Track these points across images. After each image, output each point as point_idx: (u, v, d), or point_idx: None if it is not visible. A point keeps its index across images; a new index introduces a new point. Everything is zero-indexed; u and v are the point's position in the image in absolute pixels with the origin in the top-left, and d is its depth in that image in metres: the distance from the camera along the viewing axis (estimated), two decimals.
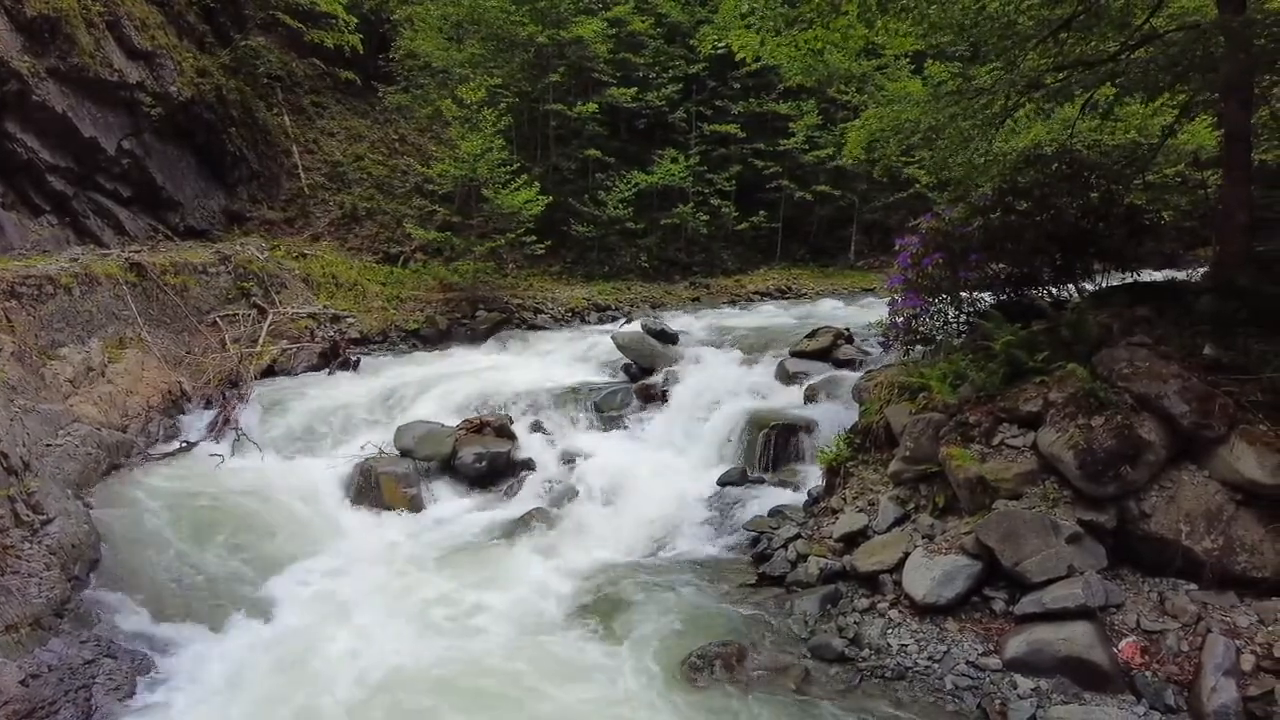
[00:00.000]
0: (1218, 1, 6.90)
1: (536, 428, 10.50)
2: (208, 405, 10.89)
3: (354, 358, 13.68)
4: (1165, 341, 6.30)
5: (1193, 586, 5.35)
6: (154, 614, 6.20)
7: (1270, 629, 4.85)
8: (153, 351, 11.08)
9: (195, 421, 10.47)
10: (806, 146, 24.57)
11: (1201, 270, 8.03)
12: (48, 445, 7.72)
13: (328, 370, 13.18)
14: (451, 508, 8.94)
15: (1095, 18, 7.62)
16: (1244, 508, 5.32)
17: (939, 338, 8.60)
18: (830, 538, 6.94)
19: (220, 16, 18.75)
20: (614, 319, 18.58)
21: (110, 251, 13.02)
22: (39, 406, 8.18)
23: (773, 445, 9.10)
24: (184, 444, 9.77)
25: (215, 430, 10.10)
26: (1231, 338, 6.07)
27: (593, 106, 21.99)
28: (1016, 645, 5.19)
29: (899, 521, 6.66)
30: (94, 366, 9.75)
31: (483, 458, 9.39)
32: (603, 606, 6.50)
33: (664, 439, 10.20)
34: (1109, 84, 6.98)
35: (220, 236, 17.26)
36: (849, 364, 10.82)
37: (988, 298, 8.42)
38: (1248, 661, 4.66)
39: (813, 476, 8.50)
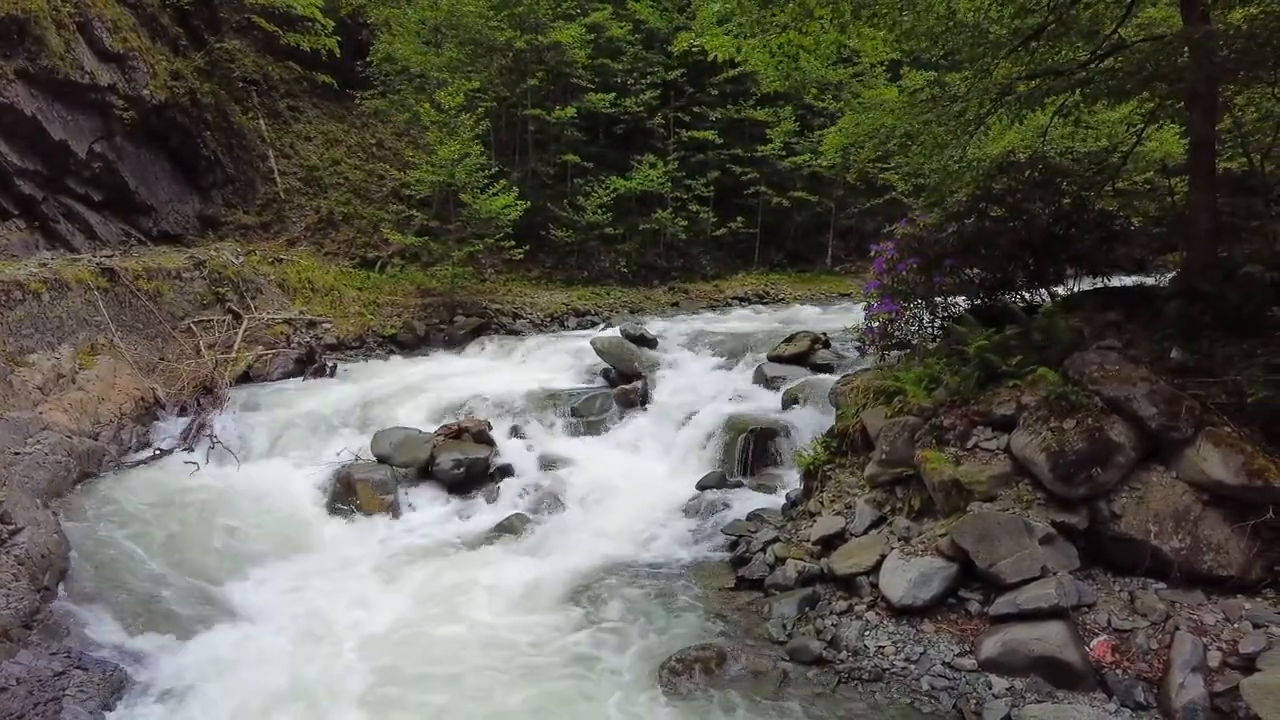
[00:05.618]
0: (1183, 13, 7.05)
1: (515, 433, 10.49)
2: (182, 412, 10.75)
3: (330, 363, 13.59)
4: (1134, 345, 6.45)
5: (1162, 585, 5.46)
6: (126, 625, 6.08)
7: (1236, 626, 4.95)
8: (125, 358, 10.92)
9: (169, 429, 10.34)
10: (784, 153, 24.72)
11: (1170, 275, 8.20)
12: (16, 454, 7.58)
13: (304, 376, 13.09)
14: (429, 514, 8.89)
15: (1065, 27, 7.77)
16: (1210, 508, 5.42)
17: (914, 342, 8.70)
18: (808, 541, 6.98)
19: (194, 19, 18.49)
20: (593, 324, 18.60)
21: (81, 256, 12.83)
22: (7, 414, 8.04)
23: (751, 449, 9.15)
24: (157, 452, 9.63)
25: (189, 437, 9.97)
26: (1197, 341, 6.21)
27: (571, 111, 21.97)
28: (991, 646, 5.25)
29: (875, 524, 6.71)
30: (64, 373, 9.60)
31: (461, 464, 9.35)
32: (581, 611, 6.49)
33: (643, 443, 10.25)
34: (1078, 91, 7.11)
35: (194, 241, 17.01)
36: (826, 368, 10.94)
37: (962, 302, 8.53)
38: (1214, 658, 4.75)
39: (791, 480, 8.56)
